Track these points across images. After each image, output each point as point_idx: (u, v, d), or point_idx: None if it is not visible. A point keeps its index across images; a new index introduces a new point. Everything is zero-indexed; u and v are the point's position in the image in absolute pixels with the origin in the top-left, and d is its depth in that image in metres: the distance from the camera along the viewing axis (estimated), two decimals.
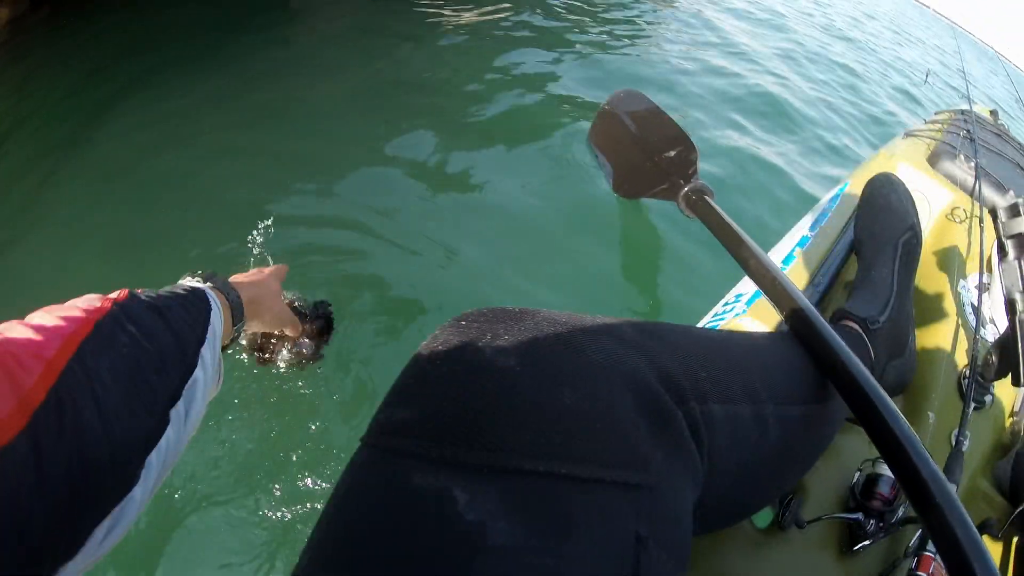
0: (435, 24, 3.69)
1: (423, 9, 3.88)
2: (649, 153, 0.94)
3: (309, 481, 1.25)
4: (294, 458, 1.29)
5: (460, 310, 0.49)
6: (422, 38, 3.50)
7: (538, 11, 3.97)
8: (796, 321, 0.72)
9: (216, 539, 1.18)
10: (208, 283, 0.69)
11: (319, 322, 1.15)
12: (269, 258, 1.47)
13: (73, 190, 2.22)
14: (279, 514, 1.21)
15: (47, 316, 0.45)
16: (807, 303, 0.73)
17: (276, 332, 1.01)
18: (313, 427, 1.33)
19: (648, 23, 4.22)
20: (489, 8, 3.94)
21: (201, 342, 0.56)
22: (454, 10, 3.90)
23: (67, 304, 0.49)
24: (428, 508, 0.36)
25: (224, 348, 0.72)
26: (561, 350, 0.43)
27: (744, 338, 0.65)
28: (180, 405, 0.51)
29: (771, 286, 0.74)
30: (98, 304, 0.49)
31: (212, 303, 0.62)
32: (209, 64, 3.19)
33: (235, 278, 0.83)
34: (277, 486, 1.24)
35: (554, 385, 0.41)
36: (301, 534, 1.19)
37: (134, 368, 0.47)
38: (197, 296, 0.61)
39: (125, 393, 0.45)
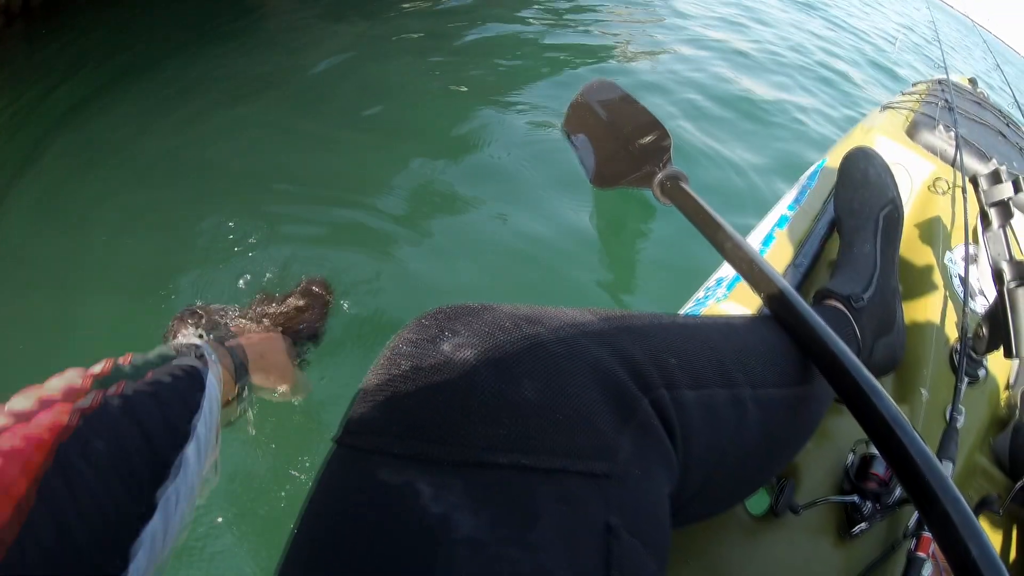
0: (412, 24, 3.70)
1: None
2: (622, 141, 0.92)
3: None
4: (284, 462, 1.29)
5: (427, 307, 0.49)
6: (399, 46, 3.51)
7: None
8: (775, 303, 0.71)
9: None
10: (209, 337, 0.68)
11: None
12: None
13: (44, 197, 2.19)
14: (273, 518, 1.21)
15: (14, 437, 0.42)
16: (785, 284, 0.71)
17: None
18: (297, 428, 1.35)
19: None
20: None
21: (195, 411, 0.54)
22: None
23: (45, 390, 0.46)
24: (394, 503, 0.37)
25: (226, 404, 0.70)
26: (520, 343, 0.43)
27: (720, 322, 0.64)
28: (169, 488, 0.48)
29: (748, 269, 0.73)
30: (79, 383, 0.47)
31: (209, 364, 0.59)
32: (182, 64, 3.20)
33: (245, 338, 0.82)
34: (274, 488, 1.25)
35: (513, 378, 0.41)
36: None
37: (117, 459, 0.45)
38: (192, 366, 0.58)
39: (104, 492, 0.43)
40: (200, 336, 0.74)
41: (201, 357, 0.62)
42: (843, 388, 0.61)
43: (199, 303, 1.46)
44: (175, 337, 1.40)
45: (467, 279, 1.60)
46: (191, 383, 0.56)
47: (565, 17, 3.99)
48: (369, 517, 0.37)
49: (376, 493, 0.37)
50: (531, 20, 3.82)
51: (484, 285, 1.58)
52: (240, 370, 0.72)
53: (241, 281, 1.69)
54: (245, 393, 0.75)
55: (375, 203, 1.99)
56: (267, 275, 1.71)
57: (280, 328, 1.46)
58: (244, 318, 1.46)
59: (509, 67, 3.20)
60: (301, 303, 1.53)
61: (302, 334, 1.46)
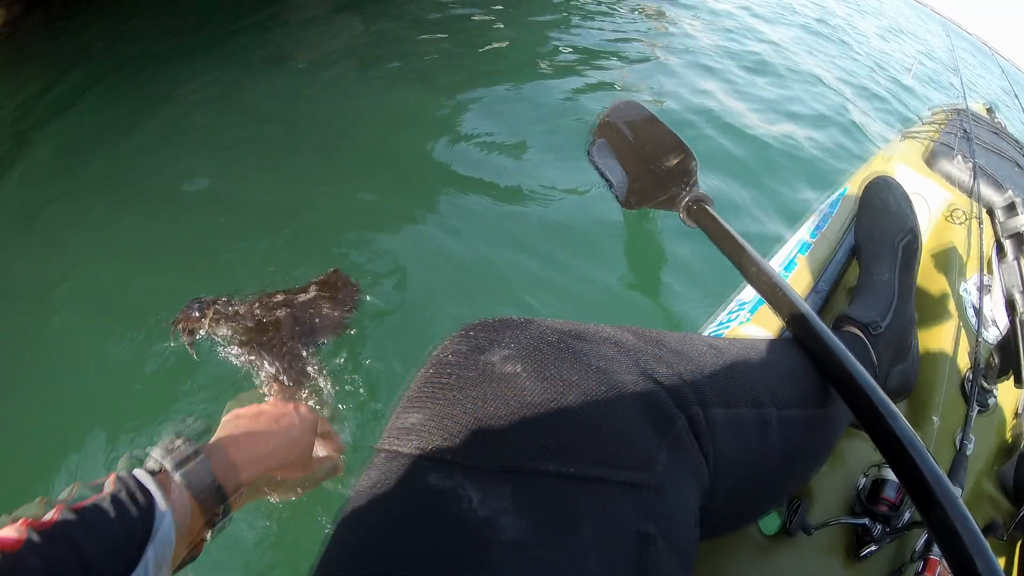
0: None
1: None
2: (648, 163, 0.94)
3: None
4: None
5: (466, 320, 0.51)
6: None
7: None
8: (798, 327, 0.72)
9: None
10: (168, 465, 0.55)
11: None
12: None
13: (62, 184, 2.24)
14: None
15: None
16: (808, 309, 0.73)
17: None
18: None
19: (633, 34, 4.24)
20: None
21: (131, 567, 0.47)
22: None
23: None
24: (443, 506, 0.38)
25: (200, 543, 0.60)
26: (566, 357, 0.45)
27: (746, 344, 0.66)
28: None
29: (772, 293, 0.75)
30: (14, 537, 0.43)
31: (157, 517, 0.51)
32: (198, 60, 3.22)
33: (233, 439, 0.64)
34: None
35: (559, 391, 0.43)
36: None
37: None
38: (134, 512, 0.50)
39: None
40: (163, 454, 0.56)
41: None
42: (862, 411, 0.63)
43: (204, 296, 1.48)
44: (185, 335, 1.41)
45: (491, 284, 1.63)
46: (135, 521, 0.50)
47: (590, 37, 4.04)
48: (420, 520, 0.38)
49: (425, 496, 0.39)
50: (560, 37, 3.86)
51: (507, 291, 1.61)
52: (212, 496, 0.57)
53: (255, 273, 1.71)
54: (220, 521, 0.61)
55: (401, 205, 2.02)
56: (281, 269, 1.73)
57: (294, 320, 1.49)
58: (251, 309, 1.48)
59: (539, 76, 3.23)
60: (324, 294, 1.56)
61: (319, 328, 1.48)
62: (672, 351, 0.52)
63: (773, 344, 0.70)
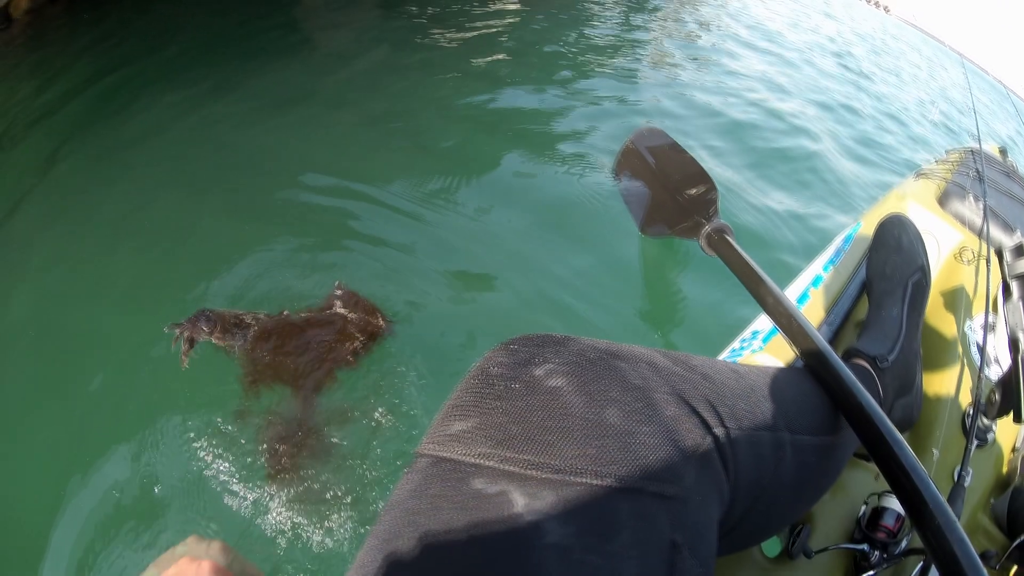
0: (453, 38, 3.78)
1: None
2: (671, 191, 0.97)
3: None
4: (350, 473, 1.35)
5: (487, 337, 0.54)
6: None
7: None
8: (811, 357, 0.76)
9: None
10: None
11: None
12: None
13: (83, 175, 2.26)
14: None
15: None
16: (823, 341, 0.76)
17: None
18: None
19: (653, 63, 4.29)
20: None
21: None
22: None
23: None
24: (490, 510, 0.41)
25: None
26: (606, 374, 0.49)
27: (763, 371, 0.69)
28: None
29: (788, 324, 0.78)
30: None
31: None
32: (222, 55, 3.28)
33: None
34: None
35: (600, 405, 0.46)
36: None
37: None
38: None
39: None
40: None
41: None
42: (870, 440, 0.67)
43: (209, 309, 1.47)
44: (185, 344, 1.38)
45: (510, 303, 1.66)
46: None
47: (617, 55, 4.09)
48: (465, 522, 0.41)
49: (472, 500, 0.42)
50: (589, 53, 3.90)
51: (527, 309, 1.64)
52: None
53: (271, 285, 1.73)
54: None
55: (421, 219, 2.05)
56: (297, 284, 1.75)
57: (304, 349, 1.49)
58: (262, 330, 1.47)
59: (564, 95, 3.27)
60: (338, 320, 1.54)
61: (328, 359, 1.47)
62: (699, 374, 0.55)
63: (787, 372, 0.74)
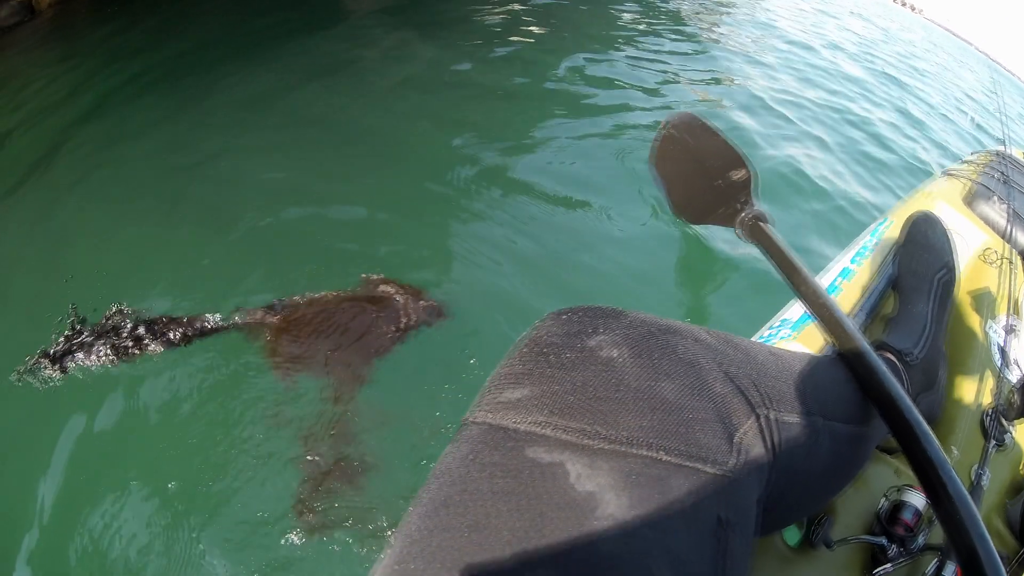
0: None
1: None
2: (709, 178, 0.97)
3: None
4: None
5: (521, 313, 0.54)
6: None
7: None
8: (846, 347, 0.75)
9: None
10: None
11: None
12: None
13: (108, 167, 2.24)
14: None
15: None
16: (856, 331, 0.76)
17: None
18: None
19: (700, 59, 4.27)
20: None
21: None
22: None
23: None
24: (547, 479, 0.41)
25: None
26: (661, 348, 0.49)
27: (799, 356, 0.69)
28: None
29: (823, 312, 0.78)
30: None
31: None
32: (249, 54, 3.21)
33: None
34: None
35: (655, 378, 0.46)
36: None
37: None
38: None
39: None
40: None
41: None
42: (900, 430, 0.67)
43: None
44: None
45: (545, 285, 1.67)
46: None
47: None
48: (523, 489, 0.41)
49: (529, 468, 0.42)
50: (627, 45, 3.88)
51: (561, 290, 1.64)
52: None
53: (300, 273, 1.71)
54: None
55: (460, 205, 2.07)
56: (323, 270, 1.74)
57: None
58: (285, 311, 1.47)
59: (601, 84, 3.26)
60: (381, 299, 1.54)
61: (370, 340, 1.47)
62: (743, 354, 0.55)
63: (821, 360, 0.74)
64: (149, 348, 1.49)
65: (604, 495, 0.40)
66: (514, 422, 0.44)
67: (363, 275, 1.68)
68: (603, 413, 0.44)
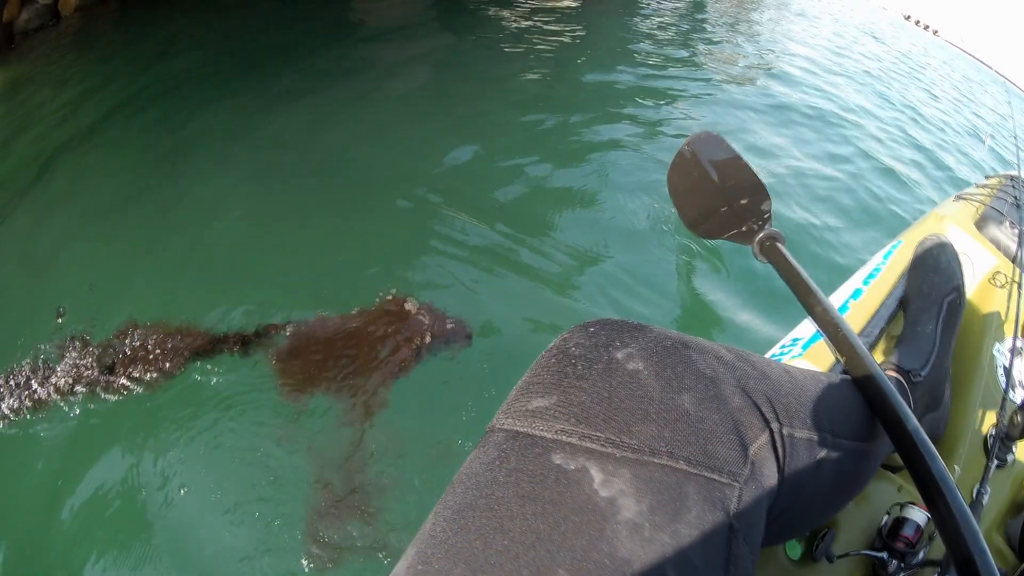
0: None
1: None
2: (727, 198, 1.00)
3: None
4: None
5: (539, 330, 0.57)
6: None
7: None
8: (854, 366, 0.78)
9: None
10: None
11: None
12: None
13: (125, 177, 2.27)
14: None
15: None
16: (866, 352, 0.79)
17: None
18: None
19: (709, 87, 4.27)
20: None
21: None
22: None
23: None
24: (569, 484, 0.43)
25: None
26: (681, 362, 0.51)
27: (810, 374, 0.72)
28: None
29: (834, 332, 0.80)
30: None
31: None
32: (275, 65, 3.25)
33: None
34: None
35: (676, 390, 0.49)
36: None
37: None
38: None
39: None
40: None
41: None
42: (905, 448, 0.69)
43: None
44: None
45: (562, 302, 1.70)
46: None
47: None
48: (546, 495, 0.43)
49: (552, 474, 0.44)
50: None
51: (577, 306, 1.65)
52: None
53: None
54: None
55: (473, 223, 2.09)
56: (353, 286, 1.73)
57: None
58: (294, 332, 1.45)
59: (622, 99, 3.32)
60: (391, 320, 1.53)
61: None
62: (759, 371, 0.58)
63: (830, 378, 0.76)
64: (159, 370, 1.45)
65: (624, 500, 0.42)
66: (540, 430, 0.46)
67: (380, 293, 1.70)
68: (626, 423, 0.46)
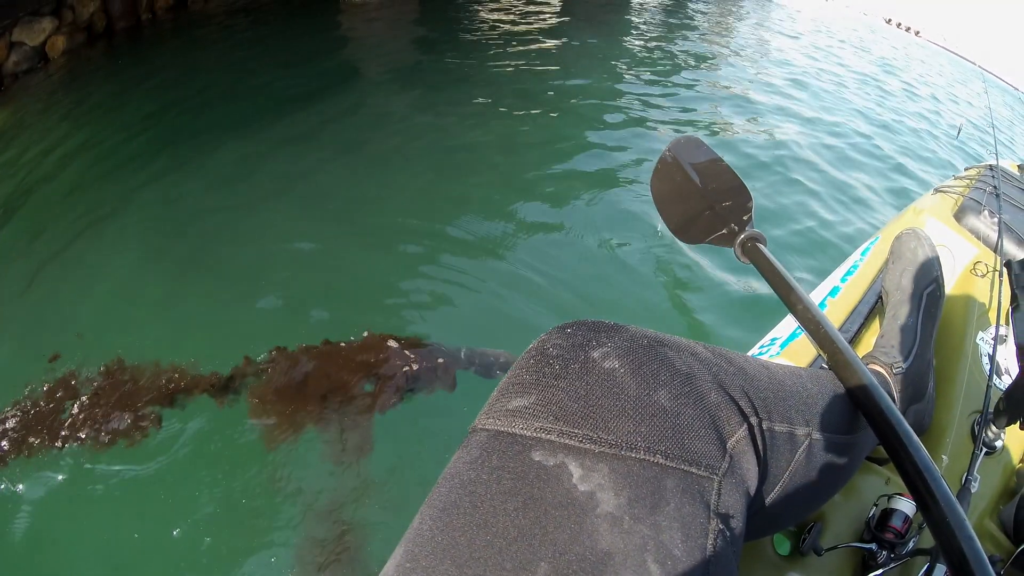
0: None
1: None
2: (709, 201, 1.01)
3: None
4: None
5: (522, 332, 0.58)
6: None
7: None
8: (836, 361, 0.79)
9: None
10: None
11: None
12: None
13: (119, 220, 2.27)
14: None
15: None
16: (847, 346, 0.80)
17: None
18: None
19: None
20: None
21: None
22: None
23: None
24: (548, 480, 0.45)
25: None
26: (656, 360, 0.52)
27: (790, 369, 0.73)
28: None
29: (814, 327, 0.82)
30: None
31: None
32: (261, 108, 3.26)
33: None
34: None
35: (652, 388, 0.50)
36: None
37: None
38: None
39: None
40: None
41: None
42: (888, 440, 0.70)
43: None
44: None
45: (546, 302, 1.68)
46: None
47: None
48: (526, 491, 0.45)
49: (532, 471, 0.45)
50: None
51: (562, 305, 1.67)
52: None
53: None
54: None
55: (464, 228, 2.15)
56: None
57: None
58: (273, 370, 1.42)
59: (600, 112, 3.37)
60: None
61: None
62: (736, 366, 0.59)
63: (811, 373, 0.78)
64: (143, 418, 1.42)
65: (603, 494, 0.44)
66: (520, 428, 0.48)
67: (366, 332, 1.68)
68: (603, 420, 0.47)
